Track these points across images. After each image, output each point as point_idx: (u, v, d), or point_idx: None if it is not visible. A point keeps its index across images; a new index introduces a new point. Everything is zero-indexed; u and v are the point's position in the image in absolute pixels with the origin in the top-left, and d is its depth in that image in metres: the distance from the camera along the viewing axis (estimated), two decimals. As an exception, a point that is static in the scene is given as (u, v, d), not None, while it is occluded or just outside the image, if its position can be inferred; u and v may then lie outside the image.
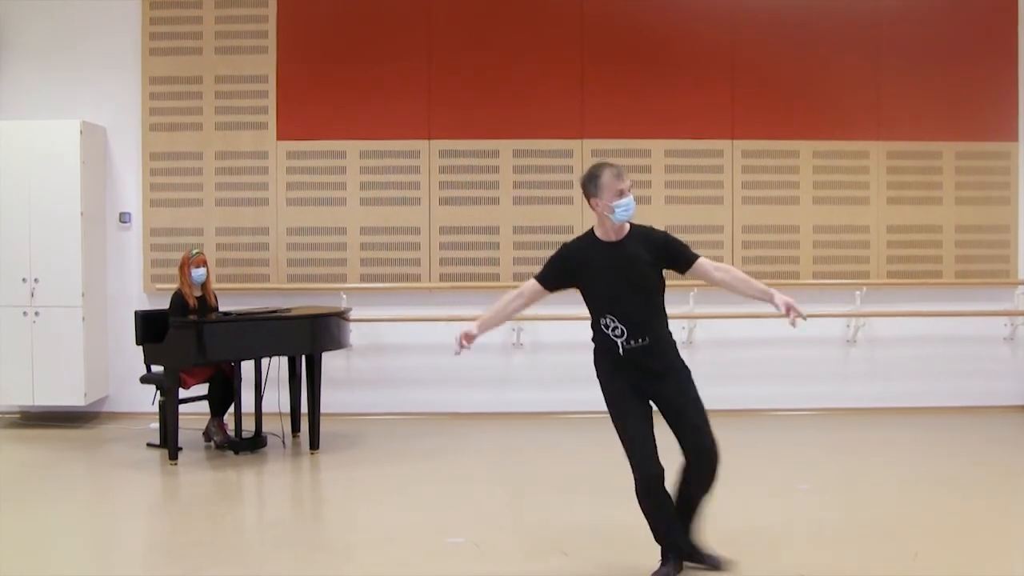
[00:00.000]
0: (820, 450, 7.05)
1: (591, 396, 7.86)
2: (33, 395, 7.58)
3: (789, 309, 4.01)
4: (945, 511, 5.39)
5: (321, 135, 8.03)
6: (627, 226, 4.21)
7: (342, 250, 8.05)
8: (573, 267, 4.22)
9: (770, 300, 4.13)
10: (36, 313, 7.56)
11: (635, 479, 4.10)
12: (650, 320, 4.13)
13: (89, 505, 5.83)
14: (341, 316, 6.99)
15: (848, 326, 8.17)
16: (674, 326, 7.96)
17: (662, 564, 4.23)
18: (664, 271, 4.23)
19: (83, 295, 7.61)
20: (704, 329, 8.10)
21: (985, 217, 8.19)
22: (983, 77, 8.18)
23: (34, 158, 7.55)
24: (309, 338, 6.75)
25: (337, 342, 6.95)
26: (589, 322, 4.23)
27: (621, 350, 4.12)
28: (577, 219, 7.90)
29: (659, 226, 7.86)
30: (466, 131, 8.06)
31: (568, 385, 7.86)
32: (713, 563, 4.30)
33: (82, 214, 7.61)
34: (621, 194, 4.10)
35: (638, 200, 8.46)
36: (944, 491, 5.80)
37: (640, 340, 4.10)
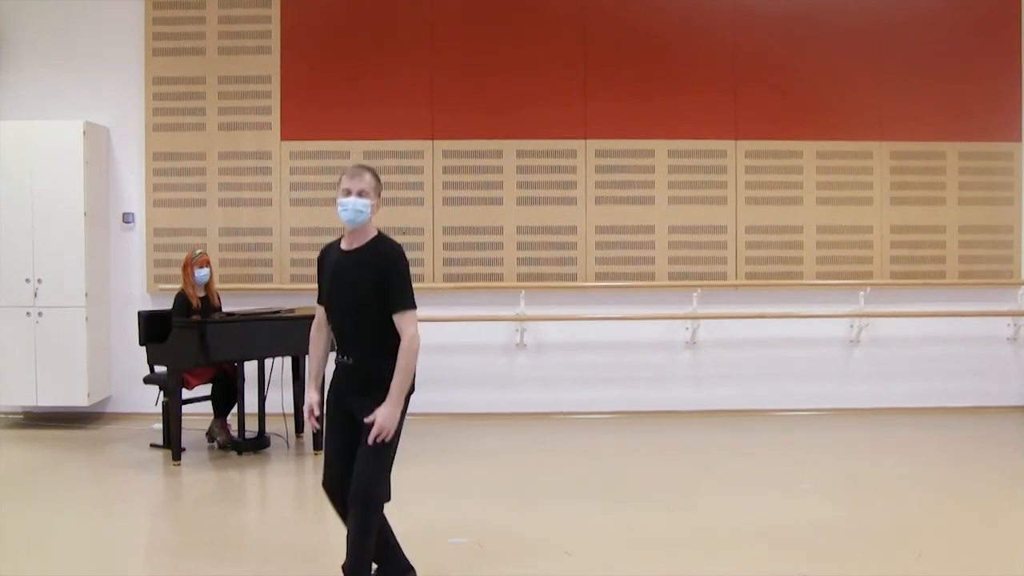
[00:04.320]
0: (823, 450, 7.04)
1: (593, 396, 7.97)
2: (36, 395, 7.59)
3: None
4: (948, 511, 5.38)
5: (324, 135, 8.03)
6: (370, 234, 3.93)
7: (345, 250, 8.04)
8: (321, 269, 4.05)
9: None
10: (39, 313, 7.57)
11: None
12: (358, 340, 3.81)
13: (92, 506, 5.83)
14: (344, 316, 6.98)
15: (851, 326, 8.16)
16: (677, 326, 8.10)
17: None
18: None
19: (86, 295, 7.62)
20: (707, 329, 8.09)
21: (988, 217, 8.19)
22: (986, 77, 8.18)
23: (37, 158, 7.56)
24: (312, 338, 6.75)
25: (340, 342, 6.94)
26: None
27: (335, 362, 3.90)
28: (580, 219, 7.88)
29: (662, 227, 8.03)
30: (469, 131, 8.06)
31: (571, 385, 7.88)
32: None
33: (85, 214, 7.62)
34: (347, 193, 3.94)
35: (641, 201, 8.47)
36: (947, 491, 5.80)
37: (346, 358, 3.84)
